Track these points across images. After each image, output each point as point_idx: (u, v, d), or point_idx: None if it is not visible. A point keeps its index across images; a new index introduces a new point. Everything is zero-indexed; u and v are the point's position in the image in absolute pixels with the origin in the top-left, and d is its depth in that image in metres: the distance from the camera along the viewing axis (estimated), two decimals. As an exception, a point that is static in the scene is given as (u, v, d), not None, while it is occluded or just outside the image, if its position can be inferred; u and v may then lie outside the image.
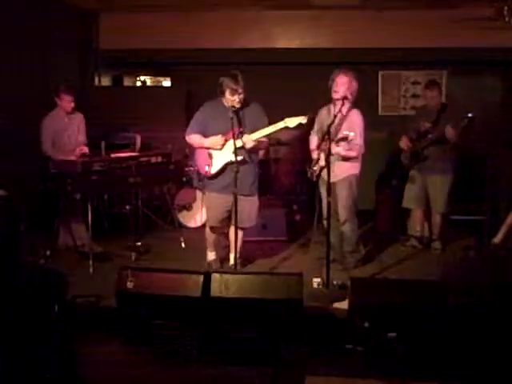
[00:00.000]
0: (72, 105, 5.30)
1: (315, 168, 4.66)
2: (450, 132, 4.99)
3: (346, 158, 4.62)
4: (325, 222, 4.54)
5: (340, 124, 4.60)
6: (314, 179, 4.71)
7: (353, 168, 4.71)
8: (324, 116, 4.79)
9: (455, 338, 3.32)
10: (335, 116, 4.42)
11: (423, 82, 7.15)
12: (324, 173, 4.51)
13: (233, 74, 4.41)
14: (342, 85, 4.56)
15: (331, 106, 4.75)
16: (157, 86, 9.28)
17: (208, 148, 4.59)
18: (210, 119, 4.58)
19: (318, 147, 4.60)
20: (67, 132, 5.38)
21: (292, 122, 4.34)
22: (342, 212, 4.73)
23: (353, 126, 4.60)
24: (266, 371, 3.21)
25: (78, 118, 5.49)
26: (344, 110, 4.60)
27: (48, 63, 6.18)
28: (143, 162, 5.35)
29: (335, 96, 4.59)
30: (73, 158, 5.13)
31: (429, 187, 5.37)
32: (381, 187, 6.21)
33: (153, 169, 5.43)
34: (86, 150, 5.31)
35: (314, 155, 4.74)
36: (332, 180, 4.36)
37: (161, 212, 6.47)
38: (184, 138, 4.73)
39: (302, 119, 4.34)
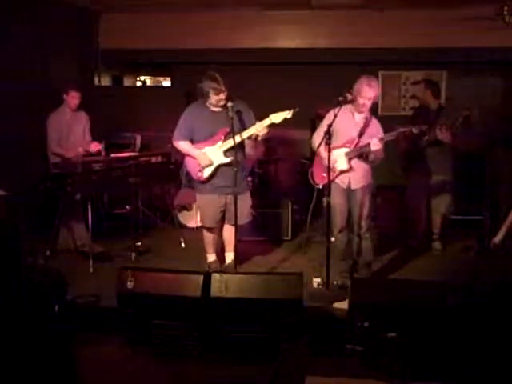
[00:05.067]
0: (76, 101, 5.32)
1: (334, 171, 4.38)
2: (442, 133, 4.93)
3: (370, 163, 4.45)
4: (340, 235, 4.58)
5: (364, 128, 4.46)
6: (320, 187, 4.48)
7: (370, 175, 4.55)
8: (344, 119, 4.44)
9: (455, 338, 3.32)
10: (335, 116, 4.31)
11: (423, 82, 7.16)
12: (340, 179, 4.43)
13: (210, 75, 4.36)
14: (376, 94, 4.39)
15: (351, 109, 4.49)
16: (157, 86, 9.29)
17: (194, 158, 4.55)
18: (197, 122, 4.54)
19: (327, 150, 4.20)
20: (71, 129, 5.40)
21: (277, 117, 4.32)
22: (364, 221, 4.52)
23: (378, 131, 4.50)
24: (266, 371, 3.20)
25: (83, 117, 5.51)
26: (368, 114, 4.49)
27: (48, 63, 6.17)
28: (143, 161, 5.36)
29: (366, 105, 4.40)
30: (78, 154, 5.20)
31: (429, 188, 5.36)
32: (381, 188, 6.20)
33: (153, 169, 5.43)
34: (99, 146, 5.29)
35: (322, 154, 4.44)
36: (353, 187, 4.42)
37: (161, 212, 6.46)
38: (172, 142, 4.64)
39: (287, 114, 4.30)
